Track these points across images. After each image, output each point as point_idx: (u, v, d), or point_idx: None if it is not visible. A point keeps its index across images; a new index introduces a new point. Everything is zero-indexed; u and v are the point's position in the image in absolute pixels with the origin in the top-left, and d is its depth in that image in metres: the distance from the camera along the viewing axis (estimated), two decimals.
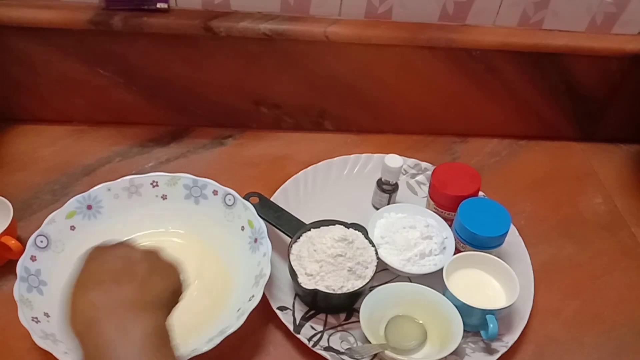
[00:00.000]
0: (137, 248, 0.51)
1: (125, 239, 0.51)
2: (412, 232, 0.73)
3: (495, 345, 0.68)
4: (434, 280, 0.70)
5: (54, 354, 0.57)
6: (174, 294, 0.50)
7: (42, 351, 0.58)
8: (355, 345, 0.67)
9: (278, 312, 0.67)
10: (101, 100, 0.90)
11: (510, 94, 0.93)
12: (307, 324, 0.68)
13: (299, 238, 0.71)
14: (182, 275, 0.52)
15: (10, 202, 0.71)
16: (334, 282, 0.66)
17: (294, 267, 0.68)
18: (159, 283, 0.48)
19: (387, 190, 0.80)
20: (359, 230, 0.72)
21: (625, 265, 0.80)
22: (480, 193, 0.84)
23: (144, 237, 0.74)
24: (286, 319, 0.67)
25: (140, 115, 0.92)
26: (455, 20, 0.87)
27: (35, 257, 0.66)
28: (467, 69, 0.89)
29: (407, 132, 0.97)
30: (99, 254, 0.50)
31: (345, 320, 0.70)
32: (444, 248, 0.74)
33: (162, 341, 0.45)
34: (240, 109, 0.93)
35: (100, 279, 0.46)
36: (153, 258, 0.51)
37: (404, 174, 0.88)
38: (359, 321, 0.65)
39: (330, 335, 0.67)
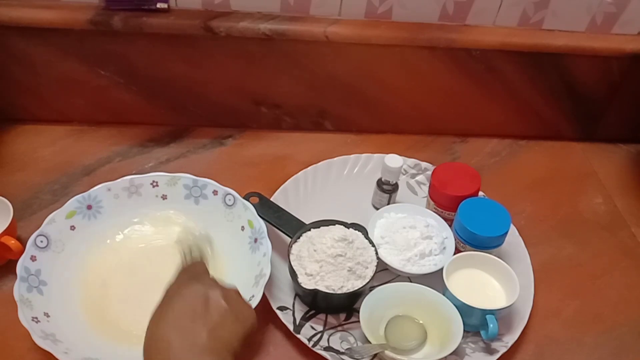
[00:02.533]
0: (217, 285, 0.52)
1: (211, 275, 0.54)
2: (412, 232, 0.73)
3: (495, 345, 0.68)
4: (434, 280, 0.70)
5: (54, 354, 0.57)
6: (245, 338, 0.51)
7: (42, 351, 0.58)
8: (355, 345, 0.67)
9: (278, 312, 0.67)
10: (101, 100, 0.90)
11: (510, 94, 0.93)
12: (307, 324, 0.68)
13: (299, 238, 0.71)
14: (255, 320, 0.53)
15: (10, 202, 0.71)
16: (334, 282, 0.66)
17: (294, 267, 0.68)
18: (232, 327, 0.50)
19: (387, 190, 0.80)
20: (359, 230, 0.72)
21: (625, 265, 0.81)
22: (480, 193, 0.84)
23: (144, 237, 0.74)
24: (286, 319, 0.67)
25: (140, 115, 0.92)
26: (455, 20, 0.87)
27: (35, 257, 0.66)
28: (467, 69, 0.89)
29: (407, 132, 0.97)
30: (181, 285, 0.51)
31: (345, 320, 0.70)
32: (444, 248, 0.74)
33: None
34: (240, 109, 0.93)
35: (178, 316, 0.48)
36: (231, 299, 0.52)
37: (404, 174, 0.88)
38: (359, 321, 0.65)
39: (330, 335, 0.67)
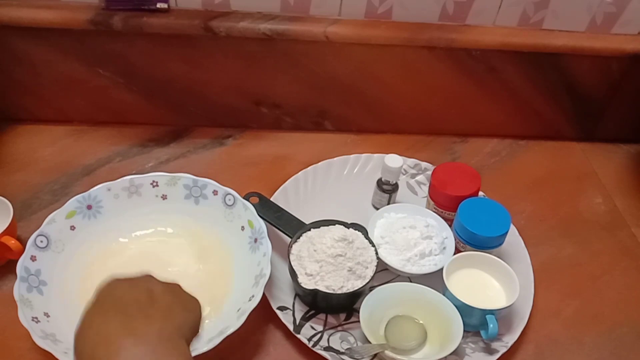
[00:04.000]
0: (158, 281, 0.50)
1: (145, 272, 0.51)
2: (412, 232, 0.73)
3: (495, 345, 0.68)
4: (434, 280, 0.70)
5: (54, 354, 0.57)
6: (194, 327, 0.50)
7: (42, 351, 0.58)
8: (355, 345, 0.67)
9: (278, 312, 0.67)
10: (101, 100, 0.90)
11: (510, 94, 0.93)
12: (307, 324, 0.68)
13: (299, 238, 0.71)
14: (202, 310, 0.52)
15: (10, 202, 0.71)
16: (334, 282, 0.66)
17: (294, 267, 0.68)
18: (181, 315, 0.48)
19: (387, 190, 0.80)
20: (359, 230, 0.72)
21: (625, 265, 0.81)
22: (480, 193, 0.84)
23: (144, 237, 0.74)
24: (286, 319, 0.67)
25: (140, 115, 0.92)
26: (455, 20, 0.87)
27: (35, 257, 0.66)
28: (467, 69, 0.89)
29: (407, 132, 0.97)
30: (118, 284, 0.49)
31: (345, 320, 0.70)
32: (444, 248, 0.74)
33: None
34: (240, 109, 0.93)
35: (123, 308, 0.45)
36: (175, 291, 0.50)
37: (404, 174, 0.88)
38: (359, 321, 0.65)
39: (330, 335, 0.67)
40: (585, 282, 0.78)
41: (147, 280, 0.50)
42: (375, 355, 0.65)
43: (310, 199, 0.83)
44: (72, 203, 0.71)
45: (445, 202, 0.76)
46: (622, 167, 0.97)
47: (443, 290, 0.68)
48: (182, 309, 0.48)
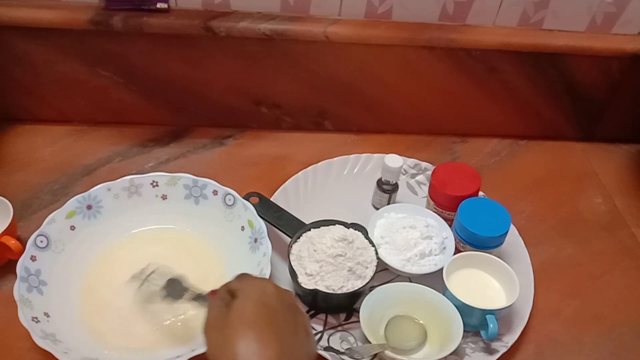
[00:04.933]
0: (282, 289, 0.50)
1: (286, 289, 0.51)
2: (412, 232, 0.73)
3: (495, 345, 0.68)
4: (434, 280, 0.70)
5: (54, 354, 0.57)
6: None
7: (42, 351, 0.58)
8: (355, 345, 0.67)
9: None
10: (101, 100, 0.90)
11: (510, 94, 0.93)
12: None
13: (299, 238, 0.71)
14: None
15: (10, 202, 0.71)
16: (334, 282, 0.66)
17: (294, 267, 0.68)
18: (311, 335, 0.49)
19: (387, 190, 0.80)
20: (359, 230, 0.72)
21: (625, 265, 0.81)
22: (480, 193, 0.84)
23: (144, 237, 0.74)
24: None
25: (140, 115, 0.92)
26: (455, 20, 0.87)
27: (35, 257, 0.66)
28: (467, 69, 0.89)
29: (407, 132, 0.97)
30: (263, 286, 0.49)
31: (345, 320, 0.70)
32: (444, 248, 0.74)
33: None
34: (240, 109, 0.93)
35: (279, 331, 0.45)
36: (296, 305, 0.50)
37: (404, 174, 0.88)
38: (359, 321, 0.65)
39: (330, 335, 0.67)
40: (585, 282, 0.78)
41: (283, 291, 0.49)
42: (375, 355, 0.65)
43: (310, 199, 0.83)
44: (72, 203, 0.71)
45: (445, 202, 0.76)
46: (622, 167, 0.97)
47: (443, 290, 0.68)
48: (308, 331, 0.48)
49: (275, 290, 0.48)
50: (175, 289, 0.60)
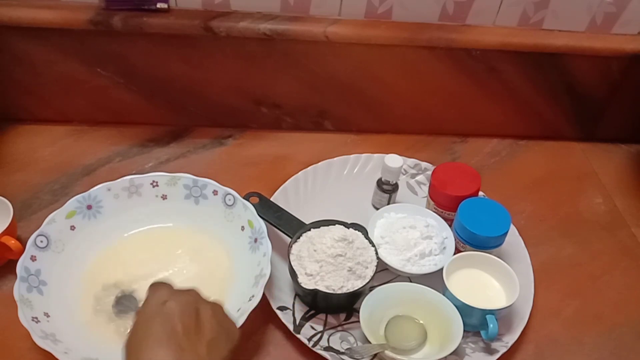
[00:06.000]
0: (205, 301, 0.51)
1: (192, 287, 0.51)
2: (412, 232, 0.73)
3: (495, 345, 0.68)
4: (434, 280, 0.70)
5: (54, 354, 0.57)
6: (233, 356, 0.50)
7: (42, 351, 0.58)
8: (355, 345, 0.67)
9: (278, 312, 0.67)
10: (101, 100, 0.90)
11: (510, 94, 0.93)
12: (307, 324, 0.68)
13: (299, 238, 0.71)
14: (239, 338, 0.52)
15: (10, 202, 0.71)
16: (334, 282, 0.66)
17: (294, 267, 0.68)
18: (224, 344, 0.49)
19: (387, 190, 0.80)
20: (359, 230, 0.72)
21: (625, 265, 0.81)
22: (480, 193, 0.84)
23: (144, 237, 0.74)
24: (286, 319, 0.67)
25: (140, 115, 0.92)
26: (455, 20, 0.87)
27: (35, 257, 0.66)
28: (467, 69, 0.89)
29: (407, 132, 0.97)
30: (166, 294, 0.49)
31: (345, 320, 0.70)
32: (444, 248, 0.74)
33: None
34: (240, 109, 0.93)
35: (174, 337, 0.46)
36: (219, 315, 0.51)
37: (404, 174, 0.88)
38: (359, 321, 0.65)
39: (330, 335, 0.67)
40: (585, 282, 0.78)
41: (194, 298, 0.50)
42: (375, 355, 0.65)
43: (310, 199, 0.83)
44: (72, 203, 0.71)
45: (445, 202, 0.76)
46: (622, 167, 0.97)
47: (443, 290, 0.68)
48: (225, 340, 0.49)
49: (173, 296, 0.49)
50: (124, 304, 0.64)
